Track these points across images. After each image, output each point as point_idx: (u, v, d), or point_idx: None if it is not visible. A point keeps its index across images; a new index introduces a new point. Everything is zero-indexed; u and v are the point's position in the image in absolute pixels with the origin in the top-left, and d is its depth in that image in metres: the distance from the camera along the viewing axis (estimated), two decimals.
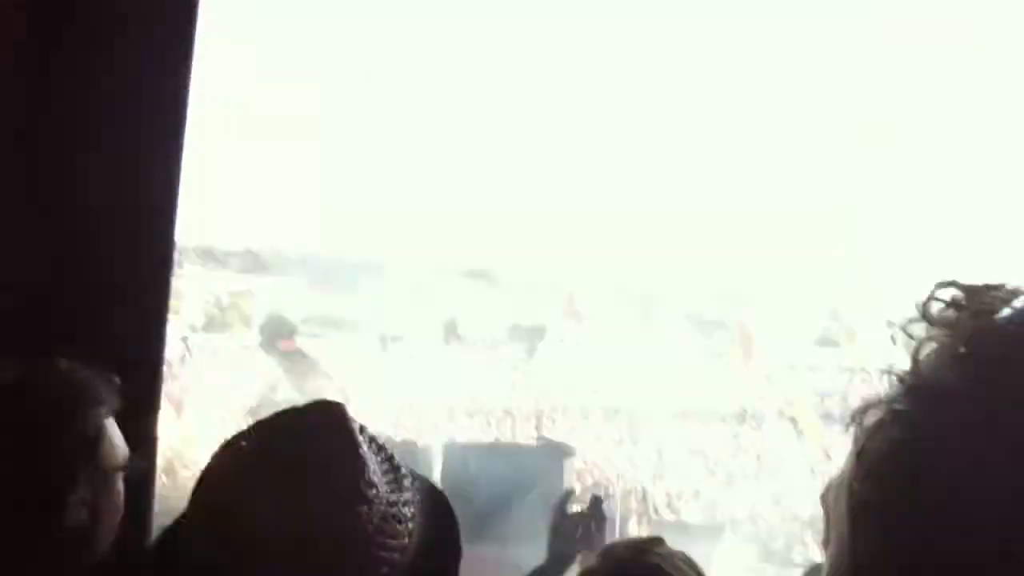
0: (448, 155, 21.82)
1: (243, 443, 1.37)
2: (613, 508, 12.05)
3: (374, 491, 1.31)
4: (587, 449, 24.21)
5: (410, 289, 20.31)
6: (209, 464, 1.36)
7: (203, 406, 8.50)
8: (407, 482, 1.39)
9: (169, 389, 7.95)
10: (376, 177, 21.88)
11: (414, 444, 7.31)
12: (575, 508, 2.49)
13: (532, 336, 20.70)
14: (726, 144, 21.18)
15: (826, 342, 21.83)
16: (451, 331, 19.98)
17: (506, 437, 24.83)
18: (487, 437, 24.93)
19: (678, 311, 21.52)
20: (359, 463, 1.31)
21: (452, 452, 7.19)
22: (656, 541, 1.97)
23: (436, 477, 7.14)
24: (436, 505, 1.48)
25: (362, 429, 1.37)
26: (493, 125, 22.86)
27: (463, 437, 24.72)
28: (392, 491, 1.35)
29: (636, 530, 10.72)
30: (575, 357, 19.34)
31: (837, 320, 22.02)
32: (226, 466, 1.37)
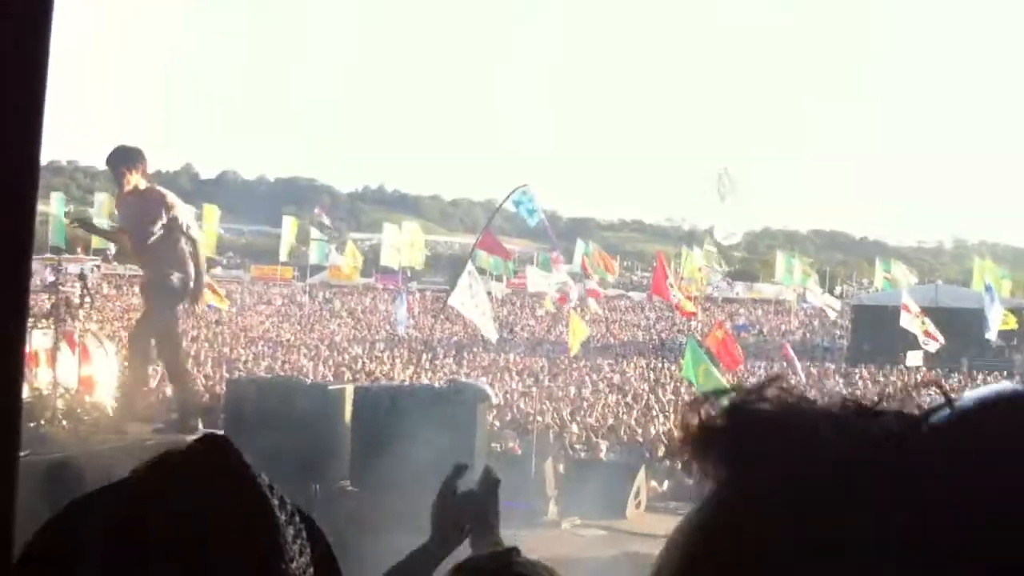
0: None
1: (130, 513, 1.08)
2: (529, 448, 12.11)
3: (289, 565, 1.07)
4: (506, 386, 24.58)
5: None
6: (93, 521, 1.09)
7: (104, 346, 8.18)
8: (303, 535, 1.15)
9: (68, 329, 7.68)
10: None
11: (324, 387, 7.11)
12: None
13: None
14: None
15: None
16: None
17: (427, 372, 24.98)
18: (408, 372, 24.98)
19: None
20: (273, 532, 1.07)
21: (363, 395, 7.05)
22: (514, 551, 1.88)
23: (347, 420, 7.03)
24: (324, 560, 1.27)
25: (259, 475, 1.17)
26: None
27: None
28: (300, 554, 1.10)
29: (551, 471, 10.74)
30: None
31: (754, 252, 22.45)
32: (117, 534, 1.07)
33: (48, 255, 58.77)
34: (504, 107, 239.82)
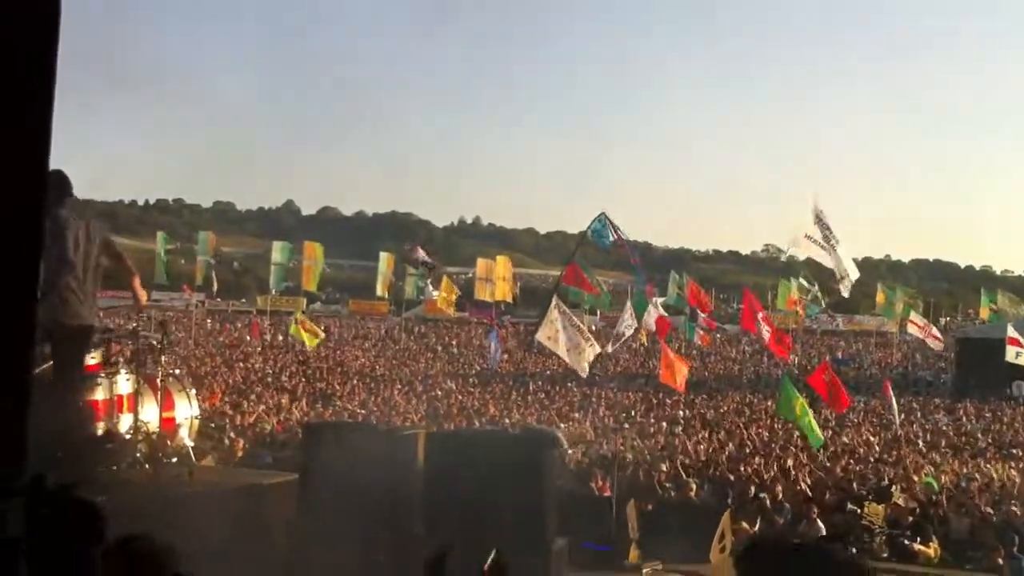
0: None
1: None
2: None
3: None
4: (597, 422, 24.36)
5: None
6: None
7: (186, 390, 8.33)
8: None
9: (151, 373, 7.85)
10: None
11: (397, 432, 7.12)
12: None
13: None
14: None
15: None
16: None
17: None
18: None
19: None
20: None
21: (434, 440, 7.03)
22: None
23: (419, 465, 7.01)
24: None
25: None
26: None
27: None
28: None
29: (634, 512, 10.55)
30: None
31: None
32: None
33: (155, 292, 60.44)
34: (601, 139, 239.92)
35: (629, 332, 28.70)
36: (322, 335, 41.39)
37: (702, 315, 37.76)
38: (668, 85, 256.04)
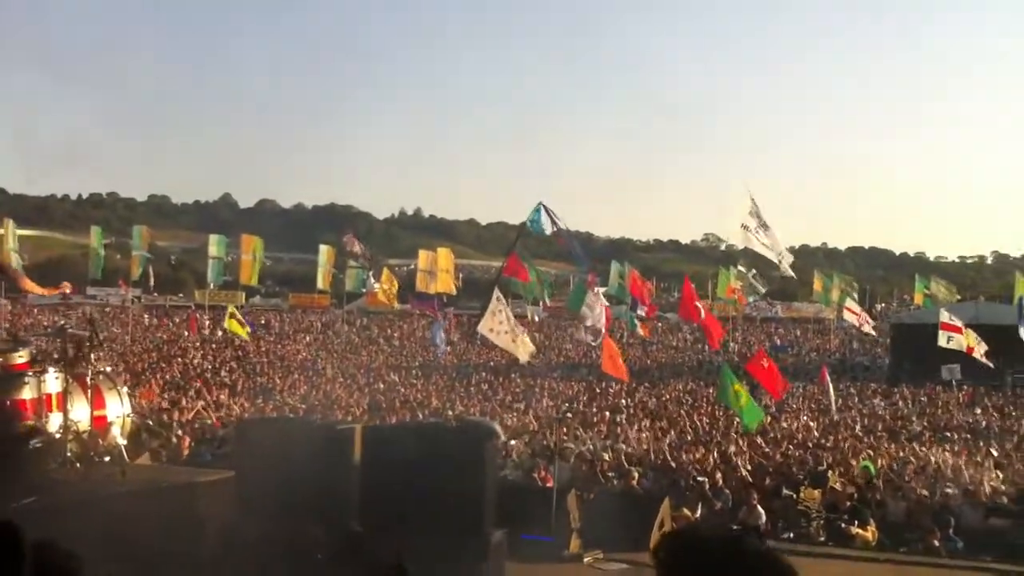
0: None
1: None
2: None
3: None
4: (542, 412, 24.41)
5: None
6: None
7: (116, 388, 8.17)
8: None
9: (80, 372, 7.67)
10: None
11: (332, 426, 7.05)
12: None
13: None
14: None
15: None
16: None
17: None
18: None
19: None
20: None
21: (371, 434, 6.97)
22: None
23: (355, 460, 6.95)
24: None
25: None
26: None
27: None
28: None
29: (574, 502, 10.57)
30: None
31: None
32: None
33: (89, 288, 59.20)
34: (540, 129, 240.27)
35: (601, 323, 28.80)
36: (247, 329, 41.01)
37: (642, 305, 37.93)
38: (607, 72, 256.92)
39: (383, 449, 6.68)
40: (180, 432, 17.14)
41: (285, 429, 7.35)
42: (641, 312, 39.21)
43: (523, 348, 18.95)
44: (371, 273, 57.10)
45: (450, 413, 22.93)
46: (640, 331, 42.26)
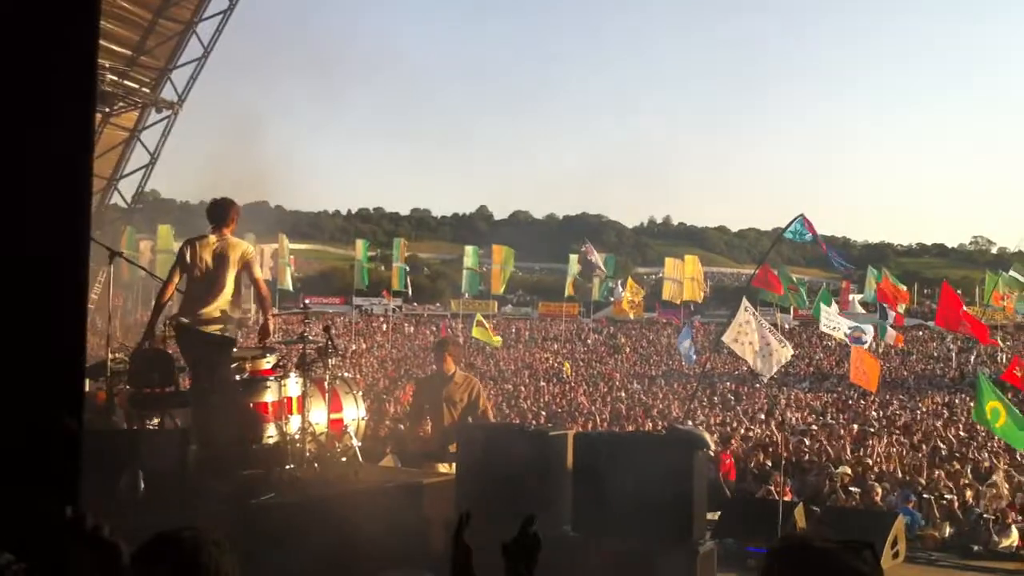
0: None
1: None
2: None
3: None
4: (786, 425, 23.73)
5: None
6: None
7: (353, 392, 8.74)
8: None
9: (319, 376, 8.28)
10: None
11: (544, 433, 7.25)
12: None
13: None
14: None
15: None
16: None
17: None
18: None
19: None
20: None
21: (582, 441, 7.12)
22: None
23: (568, 466, 7.12)
24: None
25: None
26: None
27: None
28: None
29: (801, 516, 10.30)
30: None
31: None
32: None
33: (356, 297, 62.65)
34: (791, 136, 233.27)
35: (839, 333, 27.81)
36: (498, 338, 42.12)
37: (892, 313, 35.88)
38: (859, 79, 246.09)
39: (594, 456, 6.81)
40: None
41: (499, 434, 7.63)
42: (890, 320, 37.14)
43: (772, 359, 18.42)
44: (619, 282, 57.46)
45: (690, 423, 22.75)
46: (891, 340, 40.17)
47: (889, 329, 36.13)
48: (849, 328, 26.73)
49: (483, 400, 9.14)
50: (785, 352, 19.08)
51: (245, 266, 7.62)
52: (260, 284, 7.87)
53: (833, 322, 26.29)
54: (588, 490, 6.82)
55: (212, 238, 7.59)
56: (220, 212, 7.65)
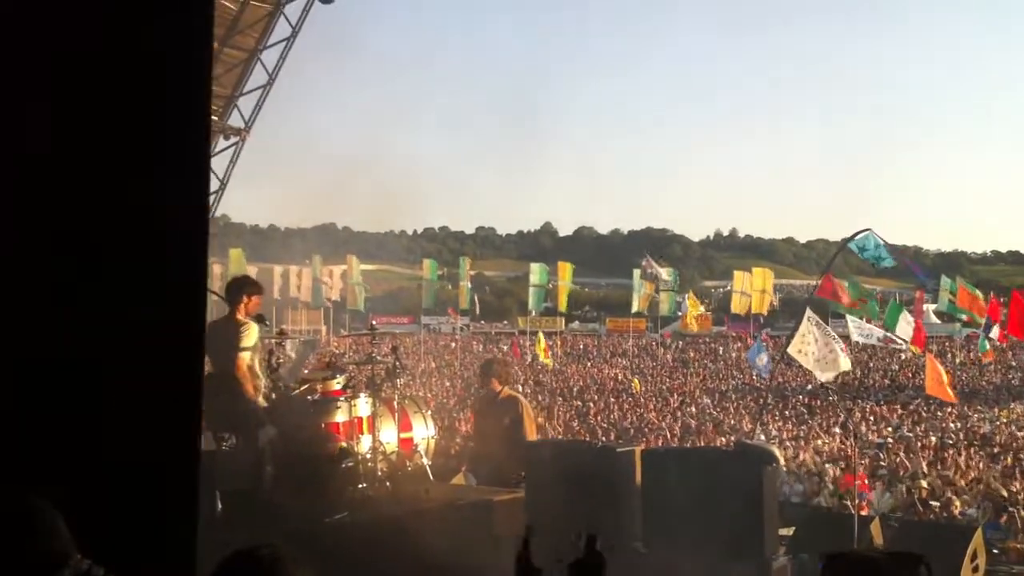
0: None
1: None
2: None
3: None
4: (861, 437, 23.33)
5: None
6: None
7: (422, 411, 8.84)
8: None
9: (388, 396, 8.39)
10: None
11: (613, 450, 7.26)
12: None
13: None
14: None
15: None
16: None
17: None
18: None
19: None
20: None
21: (651, 458, 7.12)
22: None
23: (637, 482, 7.12)
24: None
25: None
26: None
27: None
28: None
29: (877, 531, 10.13)
30: None
31: None
32: None
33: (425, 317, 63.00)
34: (858, 142, 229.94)
35: (864, 340, 27.40)
36: (549, 359, 42.26)
37: (995, 326, 34.28)
38: (926, 84, 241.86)
39: (662, 472, 6.82)
40: None
41: (568, 451, 7.67)
42: (994, 333, 35.51)
43: (832, 366, 18.27)
44: (685, 296, 57.13)
45: (761, 437, 22.51)
46: (984, 355, 38.95)
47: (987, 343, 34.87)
48: (879, 338, 26.47)
49: (528, 420, 9.05)
50: (844, 362, 18.97)
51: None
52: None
53: (865, 331, 25.97)
54: (657, 506, 6.82)
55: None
56: (230, 292, 7.76)
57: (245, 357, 7.35)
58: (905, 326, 25.14)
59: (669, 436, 23.85)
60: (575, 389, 38.89)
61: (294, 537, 6.30)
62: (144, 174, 3.36)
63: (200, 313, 3.63)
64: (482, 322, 73.22)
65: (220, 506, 6.69)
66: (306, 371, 8.46)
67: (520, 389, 38.01)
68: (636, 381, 39.64)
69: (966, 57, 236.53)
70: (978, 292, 35.12)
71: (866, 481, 16.43)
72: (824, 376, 17.95)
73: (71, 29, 3.26)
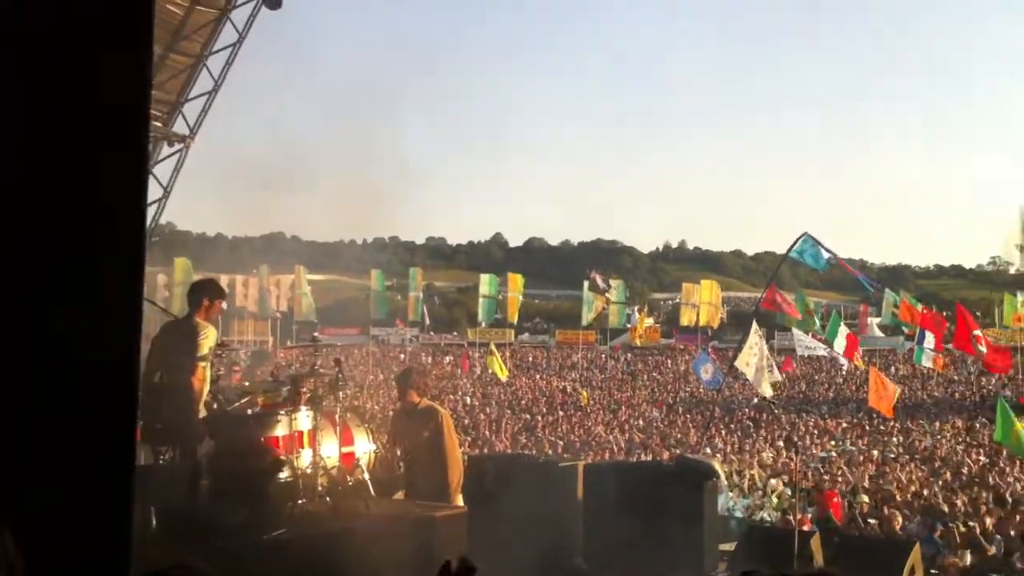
0: None
1: None
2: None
3: None
4: (804, 451, 23.57)
5: None
6: None
7: (363, 425, 8.73)
8: None
9: (329, 409, 8.28)
10: None
11: (555, 463, 7.24)
12: None
13: None
14: None
15: None
16: None
17: None
18: None
19: None
20: None
21: (592, 472, 7.11)
22: None
23: (579, 497, 7.11)
24: None
25: None
26: None
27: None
28: None
29: (817, 547, 10.20)
30: None
31: None
32: None
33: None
34: (804, 156, 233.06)
35: (809, 353, 27.80)
36: (504, 372, 42.06)
37: (931, 336, 34.85)
38: (868, 97, 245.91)
39: (604, 487, 6.81)
40: None
41: (509, 465, 7.62)
42: (930, 345, 36.02)
43: (763, 380, 18.58)
44: (635, 309, 57.43)
45: (708, 450, 22.66)
46: (928, 363, 39.48)
47: (927, 352, 35.38)
48: (825, 350, 26.88)
49: (448, 431, 8.52)
50: (774, 377, 19.44)
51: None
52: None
53: (810, 344, 26.37)
54: (597, 521, 6.81)
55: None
56: (191, 294, 7.73)
57: (202, 366, 7.24)
58: (841, 339, 25.44)
59: (616, 449, 23.90)
60: (523, 401, 38.87)
61: (230, 554, 6.19)
62: (78, 177, 3.28)
63: (136, 323, 3.54)
64: (431, 333, 72.88)
65: (155, 522, 6.55)
66: (247, 383, 8.31)
67: (468, 402, 37.97)
68: (585, 394, 39.72)
69: (903, 70, 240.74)
70: (919, 305, 35.60)
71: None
72: (764, 389, 18.19)
73: None
